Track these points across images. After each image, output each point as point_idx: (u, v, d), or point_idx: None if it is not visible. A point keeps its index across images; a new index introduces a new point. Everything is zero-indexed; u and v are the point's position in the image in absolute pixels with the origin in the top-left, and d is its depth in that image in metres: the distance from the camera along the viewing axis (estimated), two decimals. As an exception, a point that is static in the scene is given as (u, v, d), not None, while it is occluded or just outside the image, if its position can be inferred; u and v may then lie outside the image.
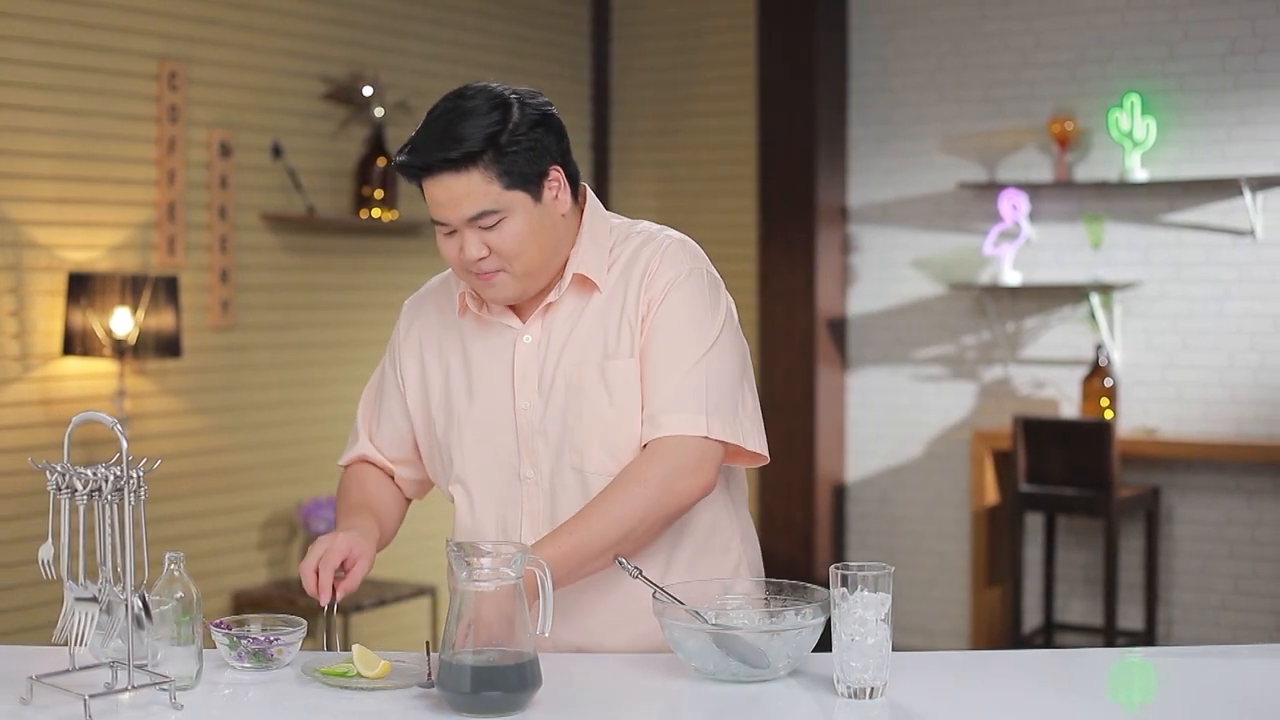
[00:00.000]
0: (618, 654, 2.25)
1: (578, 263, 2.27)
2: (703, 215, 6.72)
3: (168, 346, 4.79)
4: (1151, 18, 6.07)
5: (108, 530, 1.96)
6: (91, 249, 4.86)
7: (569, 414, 2.25)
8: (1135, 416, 6.13)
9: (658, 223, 2.38)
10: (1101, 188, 6.13)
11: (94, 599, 1.99)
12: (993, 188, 6.28)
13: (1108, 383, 6.01)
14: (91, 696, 1.89)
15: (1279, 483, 5.92)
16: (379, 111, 5.68)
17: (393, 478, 2.48)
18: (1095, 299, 6.13)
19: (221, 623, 2.18)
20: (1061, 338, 6.30)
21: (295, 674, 2.13)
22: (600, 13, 7.04)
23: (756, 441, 2.26)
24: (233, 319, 5.32)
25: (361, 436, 2.48)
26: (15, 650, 2.35)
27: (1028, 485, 5.85)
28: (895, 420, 6.63)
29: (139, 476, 1.97)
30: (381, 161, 5.68)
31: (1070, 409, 6.24)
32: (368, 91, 5.65)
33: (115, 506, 1.96)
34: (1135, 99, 5.99)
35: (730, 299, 2.34)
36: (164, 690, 1.96)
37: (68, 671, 2.01)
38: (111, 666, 1.99)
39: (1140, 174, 5.98)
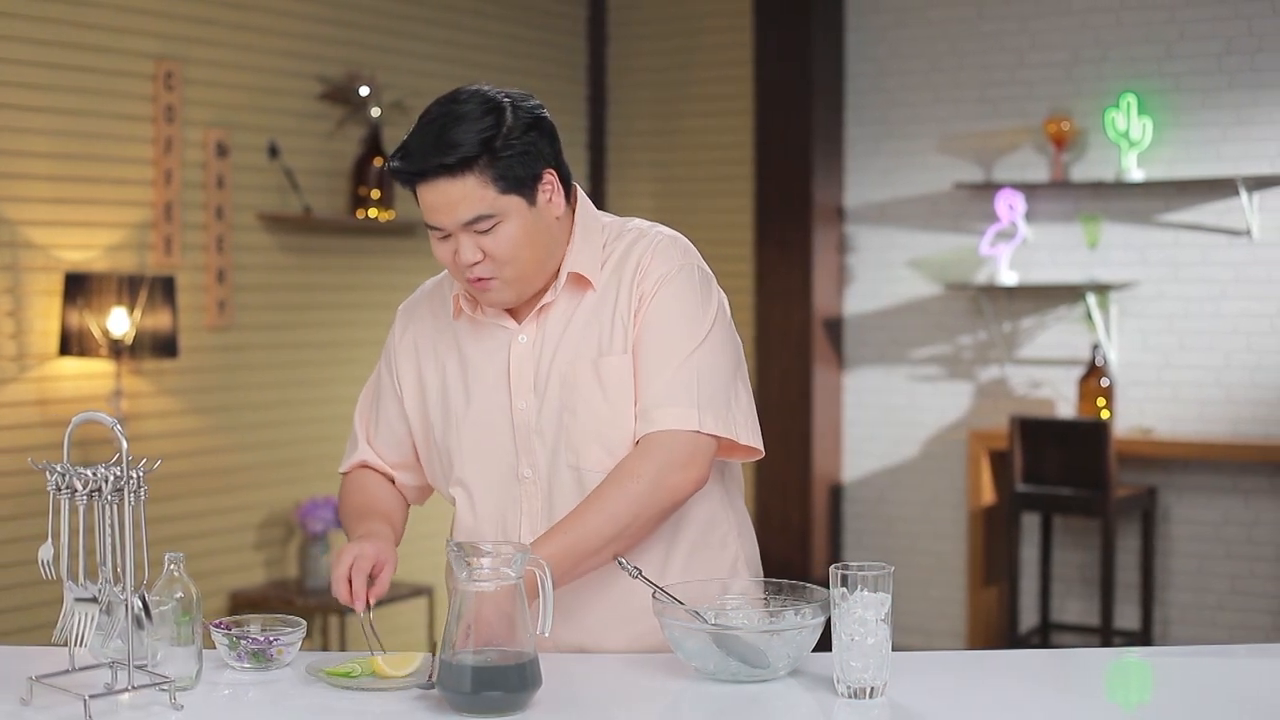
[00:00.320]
0: (618, 654, 2.25)
1: (572, 262, 2.27)
2: (699, 215, 6.72)
3: (164, 346, 4.78)
4: (1147, 18, 6.07)
5: (108, 530, 1.96)
6: (88, 249, 4.86)
7: (564, 412, 2.25)
8: (1131, 416, 6.14)
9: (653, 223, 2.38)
10: (1098, 188, 6.14)
11: (94, 599, 1.99)
12: (989, 188, 6.29)
13: (1104, 383, 6.01)
14: (91, 697, 1.89)
15: (1275, 482, 5.93)
16: (375, 111, 5.68)
17: (393, 482, 2.48)
18: (1091, 299, 6.13)
19: (221, 623, 2.17)
20: (1058, 338, 6.31)
21: (295, 674, 2.13)
22: (597, 13, 7.04)
23: (749, 435, 2.27)
24: (229, 319, 5.32)
25: (361, 443, 2.47)
26: (15, 650, 2.35)
27: (1024, 485, 5.86)
28: (891, 420, 6.64)
29: (139, 477, 1.97)
30: (378, 161, 5.68)
31: (1067, 409, 6.25)
32: (364, 91, 5.66)
33: (115, 507, 1.96)
34: (1131, 99, 5.99)
35: (723, 295, 2.34)
36: (164, 690, 1.96)
37: (67, 672, 2.01)
38: (111, 667, 1.99)
39: (1136, 174, 5.99)
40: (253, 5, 5.39)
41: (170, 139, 5.07)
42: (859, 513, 6.72)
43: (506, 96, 2.20)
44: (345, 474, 2.50)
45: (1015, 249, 6.29)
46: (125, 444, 1.95)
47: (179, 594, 2.02)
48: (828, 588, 2.05)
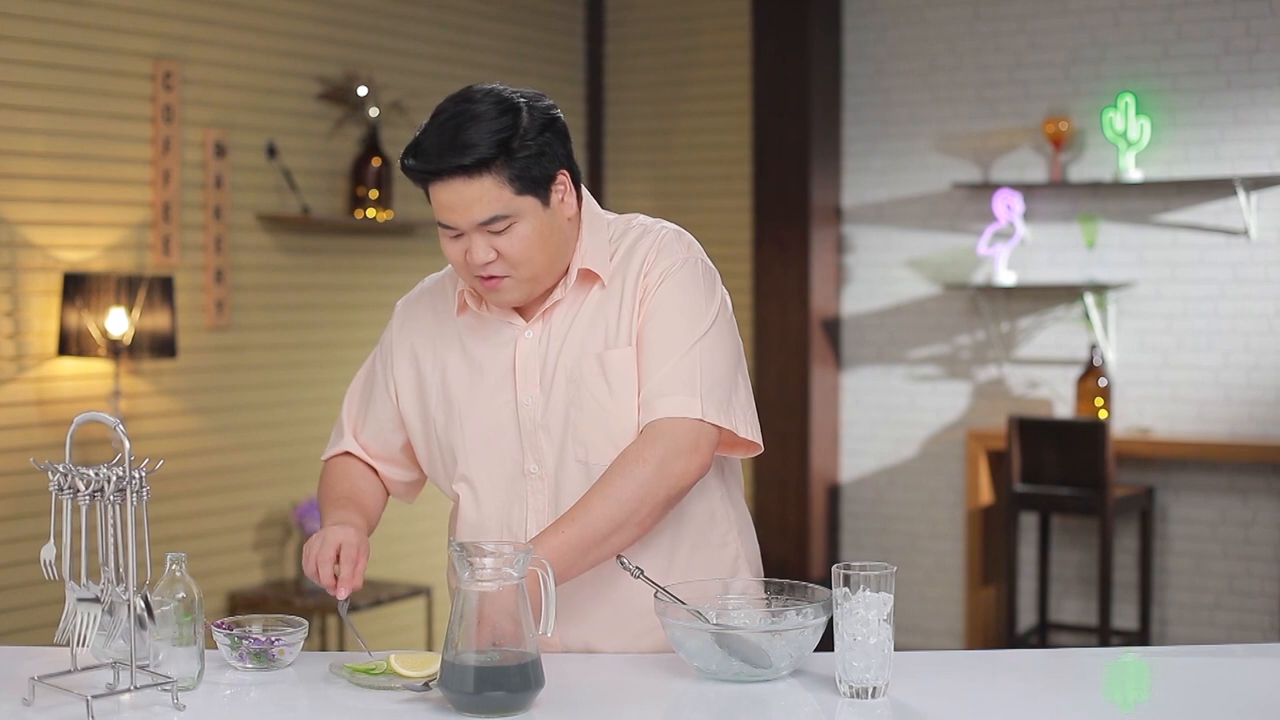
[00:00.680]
0: (620, 654, 2.26)
1: (582, 258, 2.28)
2: (697, 215, 6.72)
3: (163, 347, 4.78)
4: (1145, 18, 6.08)
5: (110, 531, 1.96)
6: (86, 249, 4.85)
7: (571, 407, 2.25)
8: (1129, 416, 6.14)
9: None
10: (1096, 188, 6.14)
11: (96, 599, 1.99)
12: (987, 188, 6.29)
13: (1102, 382, 6.02)
14: (94, 697, 1.89)
15: (1273, 482, 5.93)
16: (374, 111, 5.68)
17: (376, 473, 2.48)
18: (1089, 299, 6.14)
19: (223, 623, 2.18)
20: (1056, 338, 6.31)
21: (297, 674, 2.13)
22: (595, 13, 7.04)
23: (748, 429, 2.27)
24: (228, 319, 5.32)
25: (346, 433, 2.47)
26: (17, 650, 2.35)
27: (1022, 485, 5.86)
28: (890, 420, 6.64)
29: (141, 477, 1.97)
30: (376, 162, 5.68)
31: (1064, 409, 6.25)
32: (362, 92, 5.66)
33: (118, 507, 1.96)
34: (1129, 99, 6.00)
35: (725, 292, 2.34)
36: (166, 691, 1.96)
37: (69, 672, 2.00)
38: (113, 667, 1.99)
39: (1134, 174, 5.99)
40: (251, 5, 5.39)
41: (169, 139, 5.07)
42: (857, 513, 6.72)
43: (521, 96, 2.20)
44: (327, 460, 2.49)
45: (1013, 249, 6.30)
46: (128, 444, 1.95)
47: (181, 594, 2.02)
48: (828, 587, 2.05)
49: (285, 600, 5.18)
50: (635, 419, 2.24)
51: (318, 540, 2.24)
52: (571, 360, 2.26)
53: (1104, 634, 5.76)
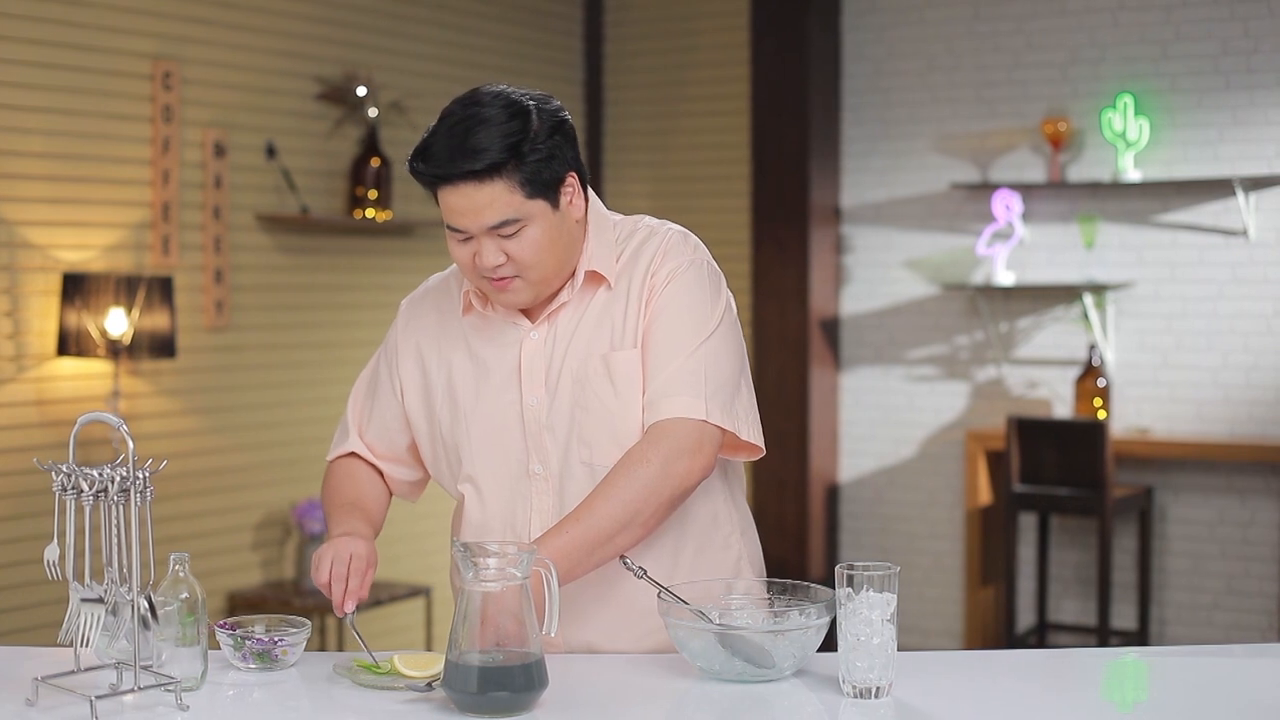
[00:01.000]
0: (623, 654, 2.26)
1: (589, 260, 2.27)
2: (696, 215, 6.71)
3: (162, 347, 4.78)
4: (1144, 18, 6.08)
5: (114, 531, 1.95)
6: (86, 249, 4.85)
7: (576, 408, 2.25)
8: (1128, 416, 6.14)
9: None
10: (1094, 188, 6.15)
11: (100, 600, 1.99)
12: (986, 188, 6.29)
13: (1101, 383, 6.02)
14: (98, 698, 1.89)
15: (1271, 482, 5.94)
16: (373, 112, 5.68)
17: (381, 475, 2.47)
18: (1088, 299, 6.14)
19: (226, 623, 2.18)
20: (1054, 338, 6.31)
21: (300, 674, 2.13)
22: (593, 13, 7.04)
23: (750, 431, 2.27)
24: (227, 319, 5.32)
25: (351, 433, 2.46)
26: (20, 651, 2.34)
27: (1021, 485, 5.86)
28: (888, 420, 6.64)
29: (145, 477, 1.97)
30: (375, 162, 5.68)
31: (1063, 409, 6.26)
32: (362, 92, 5.66)
33: (122, 507, 1.96)
34: (1128, 99, 6.00)
35: (730, 295, 2.35)
36: (169, 691, 1.96)
37: (73, 673, 2.00)
38: (117, 667, 1.99)
39: (1133, 174, 6.00)
40: (250, 5, 5.39)
41: (168, 139, 5.07)
42: (856, 513, 6.72)
43: (530, 99, 2.20)
44: (331, 462, 2.49)
45: (1012, 249, 6.30)
46: (132, 444, 1.95)
47: (184, 594, 2.02)
48: (827, 587, 2.05)
49: (284, 600, 5.17)
50: (640, 420, 2.24)
51: (329, 552, 2.23)
52: (577, 361, 2.26)
53: (1103, 634, 5.76)
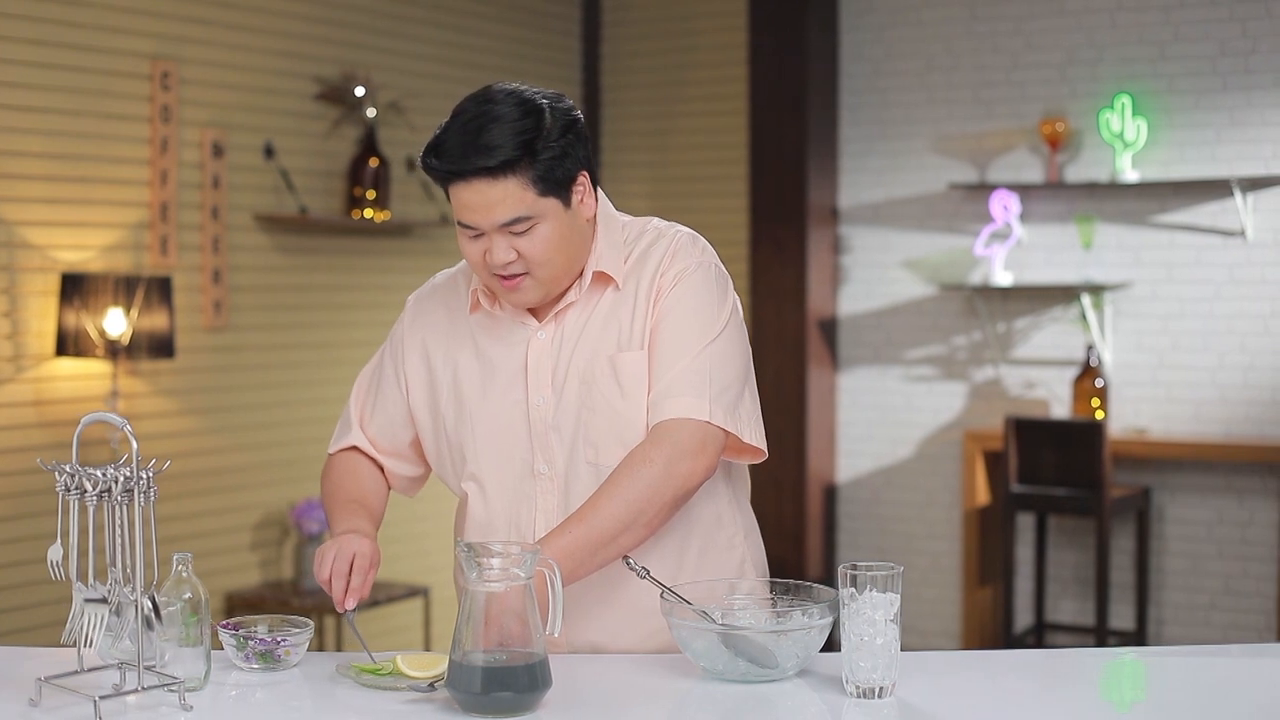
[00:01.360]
0: (627, 654, 2.26)
1: (597, 260, 2.28)
2: (694, 215, 6.72)
3: (161, 347, 4.78)
4: (1142, 19, 6.09)
5: (117, 531, 1.95)
6: (84, 249, 4.85)
7: (583, 409, 2.25)
8: (1126, 417, 6.15)
9: None
10: (1092, 188, 6.15)
11: (103, 600, 1.99)
12: (983, 189, 6.30)
13: (1098, 383, 6.02)
14: (101, 698, 1.89)
15: (1269, 482, 5.95)
16: (371, 112, 5.68)
17: (381, 470, 2.47)
18: (1086, 299, 6.15)
19: (229, 624, 2.18)
20: (1052, 338, 6.32)
21: (303, 675, 2.13)
22: (591, 13, 7.04)
23: (753, 434, 2.27)
24: (225, 319, 5.32)
25: (354, 426, 2.46)
26: (23, 651, 2.35)
27: (1019, 485, 5.87)
28: (886, 420, 6.64)
29: (149, 477, 1.97)
30: (374, 162, 5.68)
31: (1061, 409, 6.26)
32: (360, 92, 5.66)
33: (125, 508, 1.96)
34: (1126, 100, 6.01)
35: (737, 299, 2.35)
36: (173, 691, 1.95)
37: (76, 673, 2.00)
38: (120, 668, 1.99)
39: (1131, 175, 6.00)
40: (249, 5, 5.39)
41: (166, 139, 5.07)
42: (853, 513, 6.73)
43: (543, 98, 2.20)
44: (332, 455, 2.48)
45: (1010, 250, 6.30)
46: (135, 444, 1.95)
47: (187, 594, 2.02)
48: (831, 587, 2.05)
49: (283, 600, 5.17)
50: (646, 421, 2.24)
51: (332, 549, 2.23)
52: (584, 362, 2.26)
53: (1100, 634, 5.77)
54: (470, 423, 2.32)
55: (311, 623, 2.21)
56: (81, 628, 1.99)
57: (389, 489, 2.49)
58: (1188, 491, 6.09)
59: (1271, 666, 2.23)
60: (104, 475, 1.95)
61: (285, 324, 5.59)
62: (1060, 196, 6.26)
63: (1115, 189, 6.11)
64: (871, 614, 1.98)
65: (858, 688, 1.99)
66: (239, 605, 5.23)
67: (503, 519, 2.31)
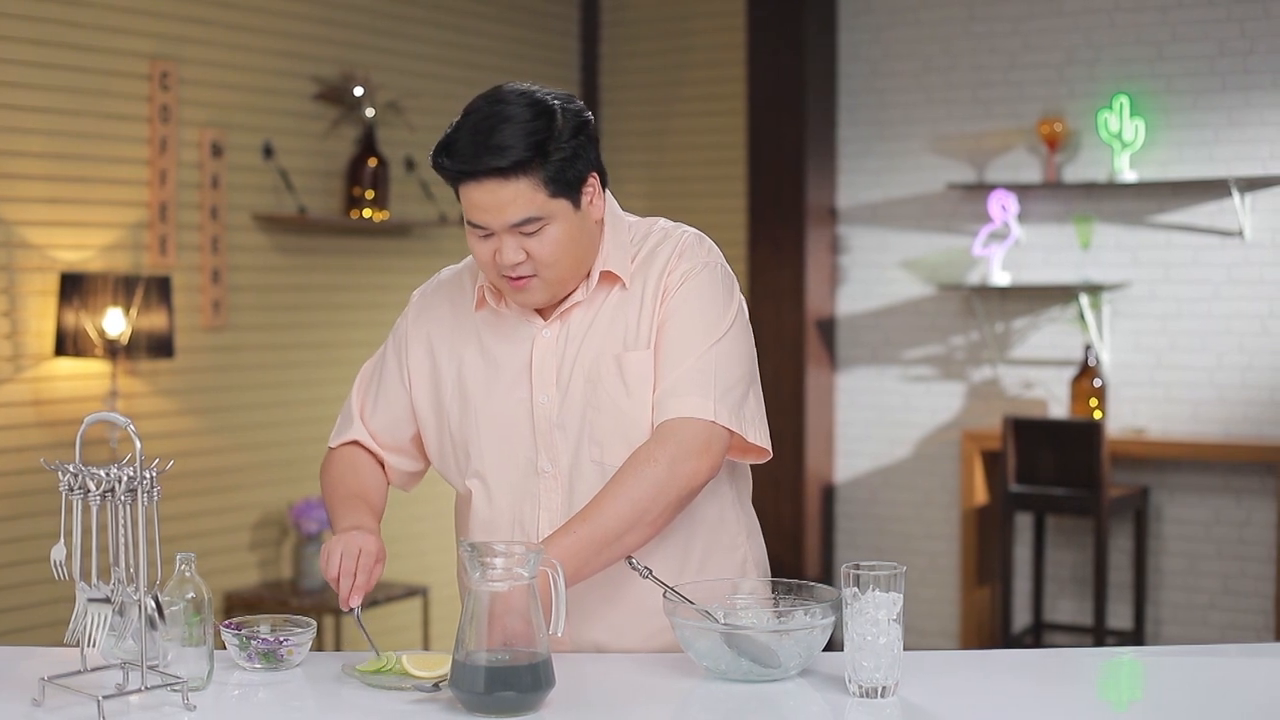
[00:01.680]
0: (630, 654, 2.26)
1: (604, 260, 2.28)
2: (692, 215, 6.64)
3: (160, 347, 4.78)
4: (1140, 19, 6.09)
5: (121, 531, 1.96)
6: (83, 249, 4.85)
7: (588, 407, 2.25)
8: (1124, 417, 6.16)
9: None
10: (1090, 189, 6.16)
11: (106, 600, 1.99)
12: (982, 189, 6.30)
13: (1096, 383, 6.03)
14: (105, 698, 1.89)
15: (1267, 482, 5.95)
16: (370, 112, 5.68)
17: (382, 465, 2.47)
18: (1084, 299, 6.15)
19: (231, 623, 2.18)
20: (1050, 338, 6.32)
21: (305, 674, 2.14)
22: (589, 13, 7.04)
23: (757, 434, 2.28)
24: (224, 319, 5.32)
25: (355, 420, 2.45)
26: (26, 651, 2.35)
27: (1017, 485, 5.87)
28: (884, 420, 6.65)
29: (152, 477, 1.97)
30: (373, 162, 5.68)
31: (1059, 409, 6.27)
32: (359, 92, 5.66)
33: (129, 507, 1.96)
34: (1124, 100, 6.01)
35: (743, 299, 2.35)
36: (176, 691, 1.96)
37: (79, 673, 2.00)
38: (123, 667, 1.99)
39: (1129, 175, 6.01)
40: (248, 5, 5.39)
41: (165, 139, 5.07)
42: (852, 513, 6.73)
43: (555, 98, 2.20)
44: (333, 449, 2.48)
45: (1008, 250, 6.31)
46: (139, 444, 1.95)
47: (190, 594, 2.02)
48: (832, 587, 2.06)
49: (282, 600, 5.17)
50: (651, 420, 2.24)
51: (338, 545, 2.23)
52: (589, 360, 2.26)
53: (1099, 634, 5.77)
54: (474, 420, 2.32)
55: (314, 622, 2.21)
56: (85, 627, 1.99)
57: (389, 484, 2.49)
58: (1186, 491, 6.10)
59: (1269, 666, 2.24)
60: (107, 475, 1.96)
61: (284, 324, 5.59)
62: (1058, 196, 6.26)
63: (1113, 189, 6.12)
64: (874, 613, 1.98)
65: (860, 687, 1.99)
66: (238, 605, 5.23)
67: (506, 517, 2.31)
